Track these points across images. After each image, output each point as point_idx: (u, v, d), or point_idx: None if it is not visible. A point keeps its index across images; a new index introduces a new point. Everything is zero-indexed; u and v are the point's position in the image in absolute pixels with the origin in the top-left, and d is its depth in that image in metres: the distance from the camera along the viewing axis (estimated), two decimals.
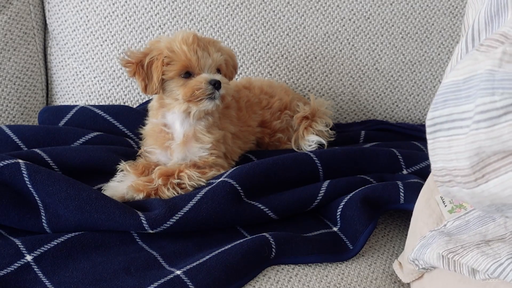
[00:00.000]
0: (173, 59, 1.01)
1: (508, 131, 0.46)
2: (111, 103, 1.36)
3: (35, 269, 0.83)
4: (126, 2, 1.33)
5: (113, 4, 1.33)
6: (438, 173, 0.54)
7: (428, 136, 0.52)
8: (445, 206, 0.81)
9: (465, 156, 0.49)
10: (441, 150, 0.52)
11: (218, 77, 1.01)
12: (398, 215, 1.06)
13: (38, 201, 0.90)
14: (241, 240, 0.88)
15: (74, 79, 1.37)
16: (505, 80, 0.46)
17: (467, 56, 0.50)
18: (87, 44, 1.35)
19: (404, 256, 0.87)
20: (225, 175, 0.99)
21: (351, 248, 0.93)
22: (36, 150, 1.01)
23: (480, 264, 0.67)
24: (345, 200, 0.98)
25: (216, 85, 1.00)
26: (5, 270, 0.82)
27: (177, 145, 1.05)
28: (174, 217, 0.90)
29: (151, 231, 0.90)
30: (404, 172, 1.09)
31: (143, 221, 0.89)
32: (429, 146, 0.53)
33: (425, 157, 1.11)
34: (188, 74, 1.02)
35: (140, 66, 1.01)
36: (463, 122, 0.49)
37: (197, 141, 1.05)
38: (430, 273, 0.81)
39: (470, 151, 0.49)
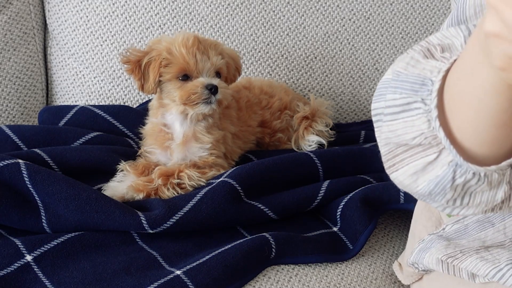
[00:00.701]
0: (171, 61, 1.00)
1: (402, 126, 0.53)
2: (111, 103, 1.36)
3: (35, 269, 0.83)
4: (126, 2, 1.33)
5: (113, 4, 1.33)
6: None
7: (374, 126, 0.59)
8: None
9: (380, 145, 0.57)
10: (378, 138, 0.59)
11: (215, 81, 1.01)
12: (398, 215, 1.06)
13: (38, 201, 0.90)
14: (241, 240, 0.88)
15: (74, 79, 1.37)
16: (405, 82, 0.53)
17: (401, 56, 0.58)
18: (87, 44, 1.35)
19: (404, 258, 0.87)
20: (225, 175, 0.99)
21: (351, 248, 0.93)
22: (36, 150, 1.01)
23: (480, 269, 0.68)
24: (345, 200, 0.98)
25: (212, 89, 1.00)
26: (5, 270, 0.82)
27: (177, 145, 1.05)
28: (174, 217, 0.90)
29: (151, 231, 0.90)
30: None
31: (143, 221, 0.89)
32: (376, 135, 0.59)
33: None
34: (186, 76, 1.01)
35: (137, 66, 1.01)
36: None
37: (197, 141, 1.05)
38: (429, 275, 0.81)
39: (382, 141, 0.56)
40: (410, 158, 0.53)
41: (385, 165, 0.56)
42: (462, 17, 0.59)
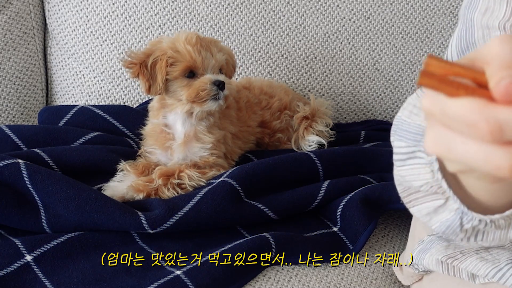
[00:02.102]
0: (178, 59, 1.00)
1: (409, 173, 0.55)
2: (111, 103, 1.36)
3: (35, 269, 0.83)
4: (126, 2, 1.33)
5: (113, 4, 1.33)
6: None
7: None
8: None
9: (395, 183, 0.59)
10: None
11: (221, 77, 1.01)
12: (398, 215, 1.06)
13: (38, 201, 0.90)
14: (241, 240, 0.88)
15: (74, 79, 1.37)
16: (406, 131, 0.55)
17: (412, 96, 0.59)
18: (87, 44, 1.35)
19: (404, 258, 0.87)
20: (225, 175, 0.99)
21: (351, 248, 0.93)
22: (36, 150, 1.01)
23: (480, 269, 0.68)
24: (345, 200, 0.98)
25: (220, 85, 1.00)
26: (5, 270, 0.82)
27: (178, 145, 1.05)
28: (174, 217, 0.90)
29: (151, 231, 0.90)
30: None
31: (143, 221, 0.89)
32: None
33: None
34: (191, 74, 1.01)
35: (144, 67, 1.00)
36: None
37: (198, 141, 1.05)
38: (429, 276, 0.81)
39: (396, 181, 0.58)
40: (422, 198, 0.55)
41: (403, 200, 0.58)
42: (471, 39, 0.60)
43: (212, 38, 1.08)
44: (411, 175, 0.54)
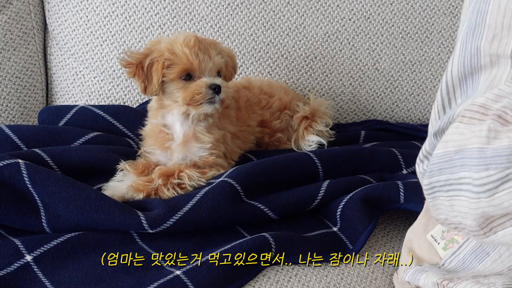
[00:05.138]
0: (174, 61, 1.00)
1: (507, 198, 0.52)
2: (111, 103, 1.36)
3: (35, 269, 0.84)
4: (126, 2, 1.33)
5: (113, 4, 1.33)
6: (443, 222, 0.62)
7: (427, 197, 0.59)
8: (438, 244, 0.81)
9: (470, 218, 0.56)
10: (442, 207, 0.60)
11: (218, 81, 1.01)
12: (398, 215, 1.06)
13: (38, 201, 0.90)
14: (241, 240, 0.89)
15: (74, 79, 1.37)
16: (495, 157, 0.52)
17: (452, 128, 0.57)
18: (87, 44, 1.35)
19: (399, 272, 0.87)
20: (225, 175, 0.99)
21: (351, 248, 0.93)
22: (36, 150, 1.01)
23: None
24: (345, 200, 0.98)
25: (216, 89, 1.00)
26: (5, 270, 0.82)
27: (177, 146, 1.05)
28: (174, 217, 0.90)
29: (151, 231, 0.90)
30: (404, 171, 1.09)
31: (143, 221, 0.89)
32: (430, 203, 0.60)
33: None
34: (188, 76, 1.01)
35: (140, 68, 1.00)
36: (462, 186, 0.56)
37: (197, 141, 1.05)
38: None
39: (475, 215, 0.55)
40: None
41: (476, 233, 0.56)
42: (477, 65, 0.59)
43: (212, 40, 1.07)
44: (510, 199, 0.52)
